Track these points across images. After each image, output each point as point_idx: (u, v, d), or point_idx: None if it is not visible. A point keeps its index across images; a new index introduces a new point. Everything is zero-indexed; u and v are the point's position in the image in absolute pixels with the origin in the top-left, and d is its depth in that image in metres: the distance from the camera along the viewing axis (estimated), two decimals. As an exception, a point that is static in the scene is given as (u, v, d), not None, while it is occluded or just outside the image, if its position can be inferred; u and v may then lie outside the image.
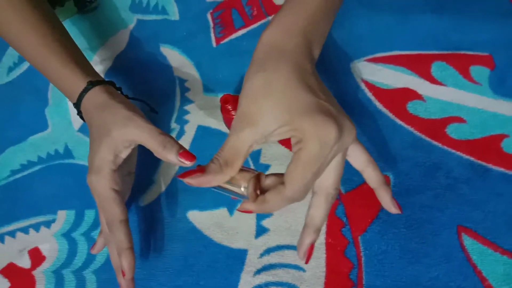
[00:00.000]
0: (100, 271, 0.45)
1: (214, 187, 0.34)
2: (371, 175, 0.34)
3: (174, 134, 0.49)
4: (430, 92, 0.43)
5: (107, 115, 0.39)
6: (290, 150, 0.45)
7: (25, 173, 0.53)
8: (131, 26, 0.58)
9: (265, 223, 0.42)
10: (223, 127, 0.48)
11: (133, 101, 0.49)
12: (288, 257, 0.40)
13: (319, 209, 0.33)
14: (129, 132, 0.38)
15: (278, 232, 0.42)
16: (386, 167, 0.41)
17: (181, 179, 0.32)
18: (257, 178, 0.33)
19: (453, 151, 0.40)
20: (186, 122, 0.50)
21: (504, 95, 0.41)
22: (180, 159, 0.36)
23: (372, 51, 0.46)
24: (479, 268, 0.36)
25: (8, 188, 0.53)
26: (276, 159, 0.45)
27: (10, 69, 0.61)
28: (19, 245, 0.49)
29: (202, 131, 0.49)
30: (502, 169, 0.39)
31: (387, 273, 0.38)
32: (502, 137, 0.40)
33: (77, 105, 0.42)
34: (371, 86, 0.45)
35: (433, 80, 0.43)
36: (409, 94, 0.44)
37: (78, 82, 0.41)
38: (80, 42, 0.59)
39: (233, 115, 0.43)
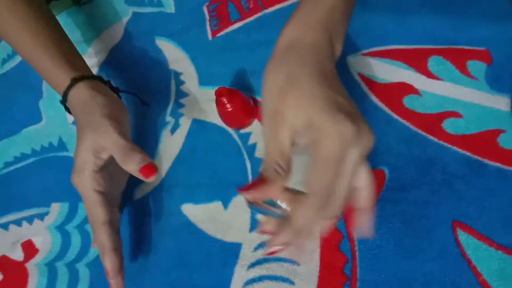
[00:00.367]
0: (93, 264, 0.45)
1: (254, 207, 0.32)
2: (367, 197, 0.31)
3: (169, 127, 0.49)
4: (426, 87, 0.43)
5: (85, 116, 0.39)
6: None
7: (19, 165, 0.53)
8: (127, 18, 0.57)
9: (260, 217, 0.42)
10: (218, 121, 0.47)
11: (126, 94, 0.49)
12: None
13: (299, 209, 0.29)
14: (99, 138, 0.38)
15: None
16: (381, 162, 0.41)
17: (243, 194, 0.30)
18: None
19: (449, 146, 0.40)
20: (181, 115, 0.49)
21: (501, 90, 0.41)
22: (140, 173, 0.36)
23: (369, 45, 0.46)
24: (473, 263, 0.36)
25: (1, 181, 0.53)
26: (271, 153, 0.44)
27: (4, 61, 0.61)
28: (12, 238, 0.49)
29: (197, 124, 0.48)
30: (498, 164, 0.39)
31: (382, 267, 0.37)
32: (498, 132, 0.40)
33: (63, 101, 0.42)
34: (368, 80, 0.44)
35: (429, 75, 0.43)
36: (406, 89, 0.43)
37: (64, 79, 0.41)
38: (75, 34, 0.59)
39: (228, 108, 0.43)
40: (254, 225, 0.42)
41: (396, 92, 0.43)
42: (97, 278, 0.44)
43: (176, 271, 0.42)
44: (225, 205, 0.44)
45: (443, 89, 0.42)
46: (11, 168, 0.53)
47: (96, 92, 0.40)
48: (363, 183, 0.31)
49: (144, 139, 0.49)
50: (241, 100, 0.43)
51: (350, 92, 0.44)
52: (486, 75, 0.42)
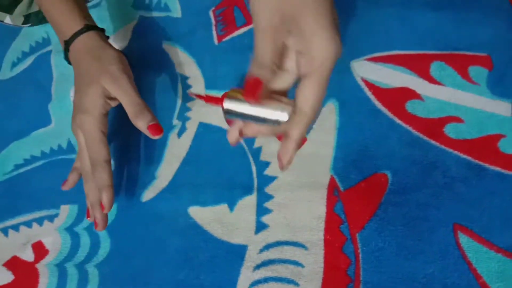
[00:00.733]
0: (102, 265, 0.46)
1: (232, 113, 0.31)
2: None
3: (176, 131, 0.50)
4: (428, 92, 0.44)
5: (98, 63, 0.41)
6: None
7: (29, 167, 0.54)
8: (134, 22, 0.58)
9: (265, 219, 0.43)
10: (224, 124, 0.48)
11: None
12: (287, 253, 0.41)
13: (297, 128, 0.32)
14: (113, 89, 0.40)
15: (277, 229, 0.42)
16: (384, 165, 0.42)
17: (250, 99, 0.30)
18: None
19: (451, 150, 0.41)
20: (188, 118, 0.50)
21: (502, 95, 0.42)
22: (148, 130, 0.40)
23: (372, 50, 0.47)
24: (474, 265, 0.37)
25: (12, 183, 0.54)
26: (275, 156, 0.45)
27: (14, 64, 0.62)
28: (22, 239, 0.50)
29: (204, 128, 0.49)
30: (498, 169, 0.39)
31: (384, 269, 0.38)
32: (499, 137, 0.40)
33: (68, 43, 0.43)
34: (371, 85, 0.45)
35: (431, 80, 0.44)
36: (408, 94, 0.44)
37: (75, 21, 0.43)
38: (83, 38, 0.60)
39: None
40: (259, 227, 0.43)
41: (399, 97, 0.44)
42: (106, 278, 0.45)
43: (183, 271, 0.43)
44: (231, 208, 0.45)
45: (445, 94, 0.43)
46: (21, 170, 0.54)
47: (108, 44, 0.43)
48: (306, 103, 0.31)
49: (151, 142, 0.50)
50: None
51: (353, 96, 0.45)
52: (487, 80, 0.43)
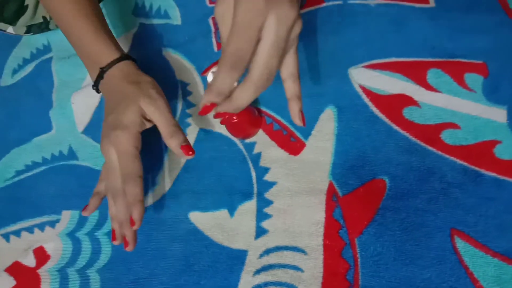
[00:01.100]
0: (104, 270, 0.46)
1: None
2: (290, 86, 0.36)
3: (176, 137, 0.50)
4: (425, 98, 0.44)
5: (136, 87, 0.44)
6: (289, 153, 0.46)
7: (30, 173, 0.54)
8: (134, 30, 0.59)
9: (265, 224, 0.44)
10: (224, 131, 0.49)
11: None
12: (287, 257, 0.42)
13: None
14: (151, 110, 0.43)
15: (277, 234, 0.43)
16: (381, 171, 0.43)
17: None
18: None
19: (447, 156, 0.42)
20: (188, 125, 0.51)
21: (497, 102, 0.43)
22: (181, 149, 0.41)
23: (369, 57, 0.47)
24: (470, 269, 0.37)
25: (13, 188, 0.54)
26: (275, 162, 0.46)
27: (15, 71, 0.62)
28: (24, 244, 0.50)
29: (204, 134, 0.50)
30: (494, 174, 0.40)
31: (382, 274, 0.39)
32: (494, 143, 0.41)
33: (104, 70, 0.45)
34: (368, 92, 0.46)
35: (428, 87, 0.45)
36: (405, 100, 0.45)
37: (112, 51, 0.46)
38: (84, 45, 0.60)
39: (234, 119, 0.44)
40: (259, 232, 0.43)
41: (396, 104, 0.45)
42: (107, 283, 0.45)
43: (183, 276, 0.44)
44: (231, 213, 0.45)
45: (442, 101, 0.44)
46: (22, 176, 0.55)
47: (142, 72, 0.47)
48: (288, 73, 0.36)
49: (152, 147, 0.51)
50: (247, 111, 0.45)
51: (351, 103, 0.46)
52: (483, 87, 0.44)
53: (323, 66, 0.49)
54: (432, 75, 0.45)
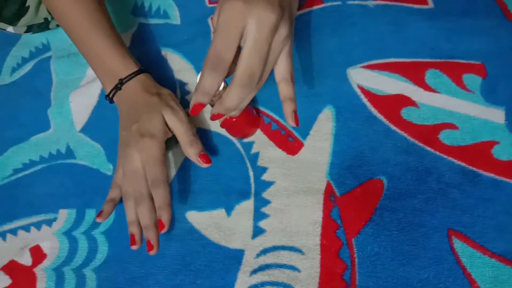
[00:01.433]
0: (100, 269, 0.46)
1: None
2: (282, 88, 0.37)
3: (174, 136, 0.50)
4: (423, 99, 0.44)
5: (158, 98, 0.46)
6: (287, 153, 0.46)
7: (27, 172, 0.54)
8: (133, 29, 0.59)
9: (262, 224, 0.43)
10: (222, 130, 0.49)
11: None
12: (284, 257, 0.42)
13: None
14: (173, 120, 0.45)
15: (274, 233, 0.43)
16: (379, 171, 0.42)
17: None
18: None
19: (445, 156, 0.42)
20: (186, 124, 0.51)
21: (495, 103, 0.43)
22: (199, 159, 0.43)
23: (368, 58, 0.47)
24: (468, 270, 0.37)
25: (10, 187, 0.54)
26: (273, 162, 0.46)
27: (14, 70, 0.62)
28: (20, 243, 0.50)
29: (201, 133, 0.50)
30: (492, 175, 0.40)
31: (379, 274, 0.39)
32: (492, 143, 0.41)
33: (122, 82, 0.47)
34: (367, 92, 0.46)
35: (427, 87, 0.45)
36: (403, 101, 0.45)
37: (131, 64, 0.48)
38: (83, 44, 0.60)
39: (232, 119, 0.44)
40: (256, 232, 0.43)
41: (394, 104, 0.45)
42: (103, 283, 0.45)
43: (180, 275, 0.44)
44: (228, 213, 0.45)
45: (440, 101, 0.44)
46: (20, 174, 0.54)
47: (158, 84, 0.49)
48: (281, 76, 0.37)
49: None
50: (245, 110, 0.45)
51: (350, 103, 0.46)
52: (481, 88, 0.44)
53: (321, 66, 0.49)
54: (430, 76, 0.45)
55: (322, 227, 0.42)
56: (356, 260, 0.40)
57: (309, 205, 0.43)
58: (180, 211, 0.46)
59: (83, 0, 0.47)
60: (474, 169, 0.41)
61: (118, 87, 0.47)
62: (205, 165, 0.43)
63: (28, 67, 0.62)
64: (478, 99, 0.43)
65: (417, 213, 0.40)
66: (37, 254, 0.49)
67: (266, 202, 0.44)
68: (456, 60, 0.45)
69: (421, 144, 0.43)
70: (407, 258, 0.39)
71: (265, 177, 0.45)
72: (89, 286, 0.46)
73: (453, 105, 0.43)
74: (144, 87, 0.47)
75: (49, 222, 0.50)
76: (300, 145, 0.46)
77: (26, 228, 0.51)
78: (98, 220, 0.44)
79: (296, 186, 0.44)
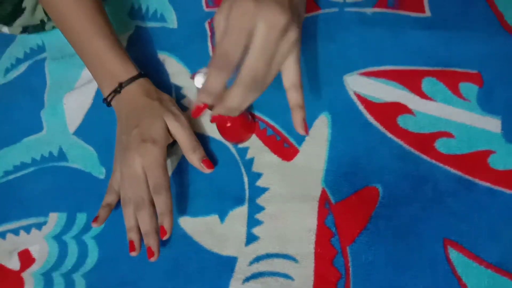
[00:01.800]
0: (90, 274, 0.45)
1: None
2: (292, 96, 0.36)
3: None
4: (420, 107, 0.44)
5: (159, 103, 0.46)
6: (283, 158, 0.45)
7: (18, 174, 0.53)
8: (130, 32, 0.59)
9: (256, 231, 0.43)
10: (216, 135, 0.48)
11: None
12: (277, 265, 0.41)
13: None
14: (174, 125, 0.45)
15: (268, 240, 0.42)
16: (375, 179, 0.42)
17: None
18: None
19: (441, 165, 0.41)
20: (181, 128, 0.50)
21: (492, 112, 0.42)
22: (202, 164, 0.44)
23: (364, 65, 0.47)
24: (463, 280, 0.37)
25: (1, 189, 0.53)
26: (268, 168, 0.45)
27: (7, 70, 0.62)
28: (9, 246, 0.49)
29: (197, 137, 0.49)
30: (488, 184, 0.40)
31: (374, 283, 0.38)
32: (489, 153, 0.41)
33: (122, 85, 0.46)
34: (363, 99, 0.46)
35: (423, 95, 0.45)
36: (400, 108, 0.45)
37: (132, 68, 0.48)
38: (78, 46, 0.60)
39: (227, 124, 0.44)
40: (250, 239, 0.43)
41: (391, 112, 0.45)
42: (93, 288, 0.44)
43: (171, 282, 0.43)
44: (222, 219, 0.44)
45: (436, 109, 0.44)
46: (10, 177, 0.53)
47: (158, 89, 0.49)
48: (290, 82, 0.36)
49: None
50: (240, 115, 0.44)
51: (346, 110, 0.46)
52: (478, 97, 0.44)
53: (318, 72, 0.48)
54: (427, 84, 0.45)
55: (316, 235, 0.41)
56: (350, 268, 0.39)
57: (304, 212, 0.42)
58: (174, 216, 0.46)
59: (82, 1, 0.47)
60: (470, 178, 0.40)
61: (117, 91, 0.47)
62: (208, 171, 0.44)
63: (22, 68, 0.61)
64: (475, 108, 0.43)
65: (413, 221, 0.40)
66: (26, 258, 0.48)
67: (260, 209, 0.44)
68: (452, 69, 0.45)
69: (417, 152, 0.42)
70: (402, 267, 0.38)
71: (260, 183, 0.45)
72: (78, 291, 0.45)
73: (449, 114, 0.43)
74: (144, 91, 0.47)
75: (39, 226, 0.49)
76: (296, 151, 0.45)
77: (15, 232, 0.50)
78: (94, 225, 0.44)
79: (291, 193, 0.44)
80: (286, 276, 0.40)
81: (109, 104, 0.48)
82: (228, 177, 0.46)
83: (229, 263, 0.42)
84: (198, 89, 0.38)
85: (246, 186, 0.45)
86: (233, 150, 0.47)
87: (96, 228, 0.47)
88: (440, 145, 0.42)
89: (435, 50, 0.46)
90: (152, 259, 0.41)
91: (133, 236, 0.43)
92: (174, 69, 0.54)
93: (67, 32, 0.49)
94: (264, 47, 0.32)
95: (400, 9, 0.49)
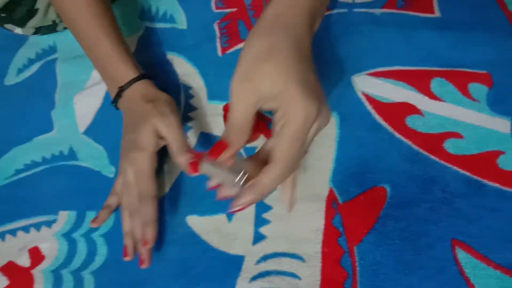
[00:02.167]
0: (99, 272, 0.46)
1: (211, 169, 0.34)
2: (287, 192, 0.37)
3: (176, 140, 0.50)
4: (429, 107, 0.44)
5: (151, 105, 0.45)
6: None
7: (29, 173, 0.54)
8: (140, 33, 0.59)
9: (263, 230, 0.43)
10: (225, 135, 0.48)
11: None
12: (285, 264, 0.41)
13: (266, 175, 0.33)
14: (162, 127, 0.44)
15: (275, 240, 0.42)
16: (383, 179, 0.42)
17: (211, 158, 0.33)
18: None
19: (450, 165, 0.41)
20: (189, 128, 0.51)
21: (501, 112, 0.42)
22: (189, 166, 0.40)
23: (373, 65, 0.47)
24: (472, 281, 0.37)
25: (12, 187, 0.54)
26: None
27: (20, 71, 0.63)
28: (19, 244, 0.50)
29: (204, 138, 0.49)
30: (497, 185, 0.40)
31: (381, 283, 0.38)
32: (498, 153, 0.41)
33: (123, 88, 0.47)
34: (371, 99, 0.46)
35: (432, 96, 0.44)
36: (408, 109, 0.44)
37: (132, 70, 0.47)
38: (89, 47, 0.61)
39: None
40: (257, 238, 0.43)
41: (399, 112, 0.45)
42: (101, 285, 0.45)
43: (179, 281, 0.43)
44: (229, 218, 0.44)
45: (445, 110, 0.44)
46: (22, 175, 0.54)
47: (159, 90, 0.48)
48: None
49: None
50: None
51: (354, 110, 0.46)
52: (487, 97, 0.43)
53: (326, 73, 0.49)
54: (436, 84, 0.45)
55: (323, 235, 0.41)
56: (357, 268, 0.39)
57: (311, 212, 0.42)
58: (181, 215, 0.46)
59: (92, 5, 0.48)
60: (479, 178, 0.40)
61: (120, 95, 0.47)
62: (193, 174, 0.40)
63: (34, 68, 0.62)
64: (484, 109, 0.43)
65: (421, 222, 0.39)
66: (36, 255, 0.48)
67: (268, 208, 0.44)
68: (462, 69, 0.45)
69: (425, 153, 0.42)
70: (410, 268, 0.38)
71: (267, 182, 0.45)
72: (87, 289, 0.45)
73: (458, 114, 0.43)
74: (141, 94, 0.46)
75: (49, 224, 0.50)
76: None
77: (26, 229, 0.50)
78: (92, 225, 0.45)
79: (299, 192, 0.43)
80: (293, 275, 0.40)
81: (117, 107, 0.49)
82: (236, 177, 0.46)
83: (237, 262, 0.42)
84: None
85: (254, 186, 0.45)
86: (241, 150, 0.47)
87: (105, 226, 0.48)
88: (449, 145, 0.42)
89: (444, 51, 0.46)
90: (142, 267, 0.42)
91: (127, 241, 0.43)
92: (183, 69, 0.55)
93: (76, 34, 0.49)
94: (310, 142, 0.32)
95: (409, 9, 0.49)
